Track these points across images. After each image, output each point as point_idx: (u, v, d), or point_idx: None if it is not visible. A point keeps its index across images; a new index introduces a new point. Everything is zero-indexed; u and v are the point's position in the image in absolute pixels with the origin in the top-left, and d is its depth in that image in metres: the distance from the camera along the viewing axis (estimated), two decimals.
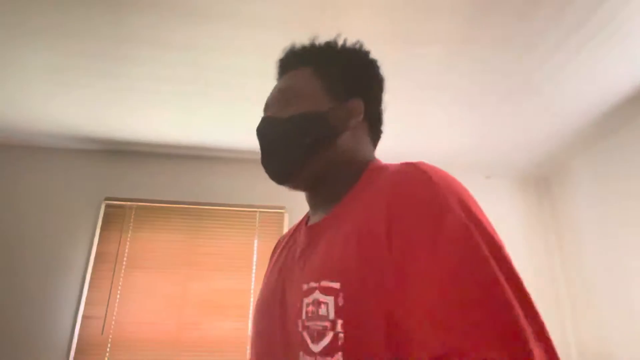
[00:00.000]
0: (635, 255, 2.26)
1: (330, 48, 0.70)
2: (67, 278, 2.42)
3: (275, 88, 0.70)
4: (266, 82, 1.95)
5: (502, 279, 0.42)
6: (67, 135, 2.54)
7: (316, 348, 0.47)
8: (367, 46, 0.72)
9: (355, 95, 0.66)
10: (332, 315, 0.46)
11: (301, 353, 0.49)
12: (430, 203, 0.47)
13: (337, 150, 0.63)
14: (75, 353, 2.30)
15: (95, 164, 2.70)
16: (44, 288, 2.38)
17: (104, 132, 2.49)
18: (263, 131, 0.66)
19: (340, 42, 0.70)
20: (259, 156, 0.67)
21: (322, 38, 0.72)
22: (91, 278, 2.46)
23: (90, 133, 2.51)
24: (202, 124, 2.40)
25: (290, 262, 0.63)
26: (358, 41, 0.70)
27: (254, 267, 2.61)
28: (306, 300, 0.50)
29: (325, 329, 0.47)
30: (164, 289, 2.49)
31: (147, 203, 2.65)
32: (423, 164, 0.53)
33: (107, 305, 2.41)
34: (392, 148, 2.68)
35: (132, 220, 2.62)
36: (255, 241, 2.67)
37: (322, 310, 0.48)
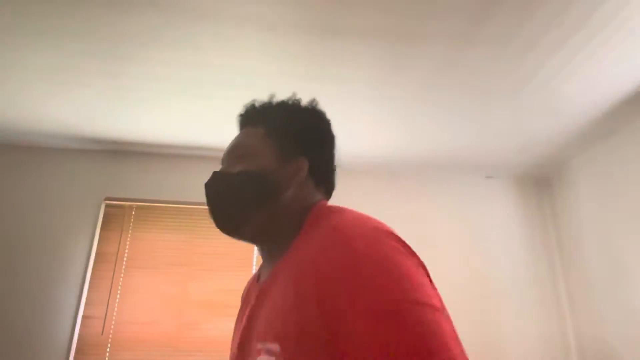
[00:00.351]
0: (634, 254, 2.26)
1: (284, 110, 0.75)
2: (67, 278, 2.42)
3: (230, 144, 0.75)
4: (266, 81, 1.96)
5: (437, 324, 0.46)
6: (67, 135, 2.54)
7: None
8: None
9: (301, 155, 0.71)
10: None
11: None
12: (353, 275, 0.49)
13: (280, 206, 0.68)
14: (75, 353, 2.30)
15: (95, 164, 2.71)
16: (44, 288, 2.38)
17: (104, 132, 2.49)
18: (211, 185, 0.71)
19: (295, 103, 0.76)
20: None
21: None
22: (91, 278, 2.46)
23: (90, 133, 2.51)
24: (202, 124, 2.40)
25: (247, 320, 0.66)
26: (314, 99, 0.77)
27: (254, 267, 2.61)
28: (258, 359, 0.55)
29: None
30: (163, 289, 2.49)
31: (147, 203, 2.65)
32: (346, 227, 0.55)
33: (107, 305, 2.41)
34: (393, 148, 2.69)
35: (132, 220, 2.62)
36: None
37: None
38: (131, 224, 2.61)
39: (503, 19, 1.60)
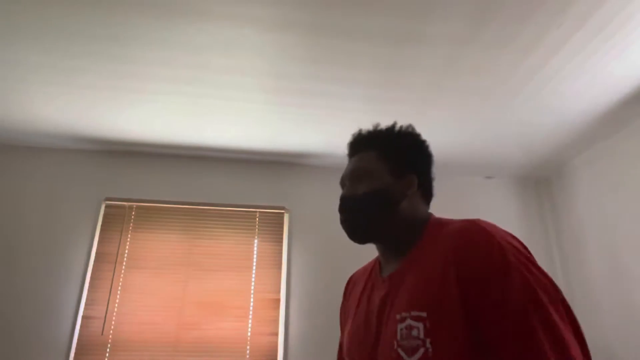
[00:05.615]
0: (634, 254, 2.26)
1: (389, 134, 0.90)
2: (67, 278, 2.42)
3: (348, 167, 0.91)
4: (266, 81, 1.96)
5: (558, 320, 0.62)
6: (67, 136, 2.54)
7: (411, 359, 0.66)
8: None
9: (410, 171, 0.86)
10: (422, 336, 0.66)
11: None
12: (493, 255, 0.67)
13: (399, 215, 0.83)
14: (75, 353, 2.30)
15: (95, 164, 2.70)
16: (44, 288, 2.38)
17: (104, 132, 2.49)
18: (343, 207, 0.87)
19: (396, 128, 0.91)
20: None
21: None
22: (91, 278, 2.46)
23: (90, 133, 2.51)
24: (202, 124, 2.40)
25: (376, 302, 0.81)
26: (410, 125, 0.92)
27: (254, 267, 2.61)
28: (400, 326, 0.70)
29: (418, 345, 0.66)
30: (163, 289, 2.49)
31: (147, 203, 2.65)
32: (481, 221, 0.72)
33: (107, 305, 2.41)
34: None
35: (132, 220, 2.62)
36: (255, 241, 2.67)
37: (414, 332, 0.67)
38: (131, 224, 2.61)
39: (503, 20, 1.60)
